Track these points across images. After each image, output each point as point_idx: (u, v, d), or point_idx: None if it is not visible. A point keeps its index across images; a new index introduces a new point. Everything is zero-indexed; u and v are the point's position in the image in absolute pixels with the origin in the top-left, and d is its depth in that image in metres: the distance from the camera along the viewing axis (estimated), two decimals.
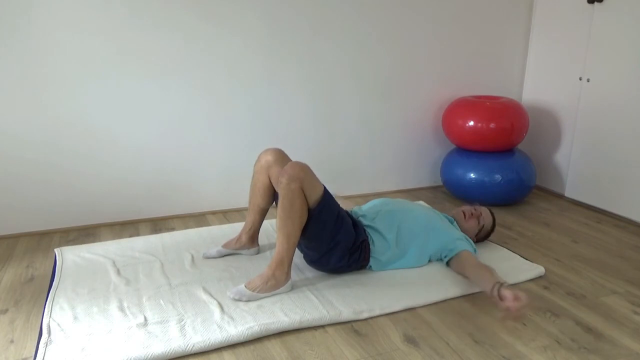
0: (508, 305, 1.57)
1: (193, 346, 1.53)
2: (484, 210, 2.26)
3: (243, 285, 1.82)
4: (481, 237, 2.26)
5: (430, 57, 3.05)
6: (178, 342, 1.54)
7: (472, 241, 2.12)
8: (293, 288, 1.88)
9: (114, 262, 2.09)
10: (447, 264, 2.04)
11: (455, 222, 2.23)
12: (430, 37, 3.01)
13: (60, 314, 1.69)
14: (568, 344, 1.59)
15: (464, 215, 2.23)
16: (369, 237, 2.01)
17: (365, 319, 1.72)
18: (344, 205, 2.19)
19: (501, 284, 1.66)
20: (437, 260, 2.10)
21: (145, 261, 2.11)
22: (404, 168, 3.20)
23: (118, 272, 2.01)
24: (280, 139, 2.80)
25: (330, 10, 2.72)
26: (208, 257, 2.14)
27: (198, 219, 2.67)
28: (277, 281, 1.83)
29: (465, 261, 1.93)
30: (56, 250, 2.19)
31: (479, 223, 2.22)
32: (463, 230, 2.22)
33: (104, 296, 1.82)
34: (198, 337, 1.57)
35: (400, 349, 1.57)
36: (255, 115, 2.72)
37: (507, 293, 1.60)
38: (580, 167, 2.98)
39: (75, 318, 1.67)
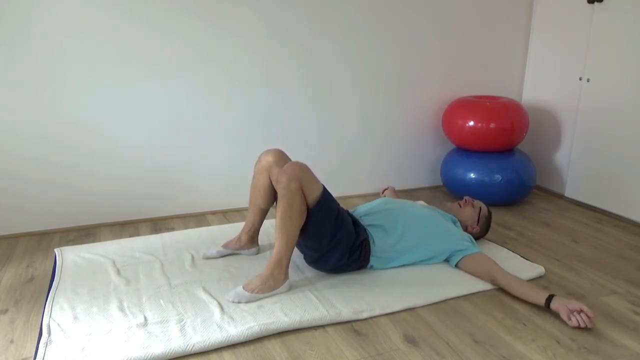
0: (578, 324, 1.65)
1: (193, 346, 1.53)
2: (470, 198, 2.34)
3: (241, 287, 1.82)
4: (483, 224, 2.27)
5: (430, 57, 3.05)
6: (178, 342, 1.54)
7: (475, 242, 2.13)
8: (293, 288, 1.89)
9: (114, 262, 2.09)
10: (457, 264, 2.04)
11: (458, 223, 2.24)
12: (430, 37, 3.01)
13: (60, 314, 1.69)
14: (568, 344, 1.59)
15: (459, 206, 2.29)
16: (370, 236, 2.01)
17: (365, 319, 1.72)
18: (393, 196, 2.39)
19: (553, 296, 1.74)
20: (443, 260, 2.10)
21: (145, 261, 2.11)
22: (404, 168, 3.20)
23: (118, 272, 2.01)
24: (280, 139, 2.80)
25: (330, 10, 2.72)
26: (208, 257, 2.14)
27: (198, 219, 2.67)
28: (276, 281, 1.83)
29: (487, 265, 1.95)
30: (56, 250, 2.19)
31: (474, 206, 2.27)
32: (465, 220, 2.25)
33: (104, 296, 1.82)
34: (198, 337, 1.57)
35: (400, 349, 1.57)
36: (255, 115, 2.72)
37: (574, 305, 1.68)
38: (580, 167, 2.98)
39: (75, 318, 1.67)
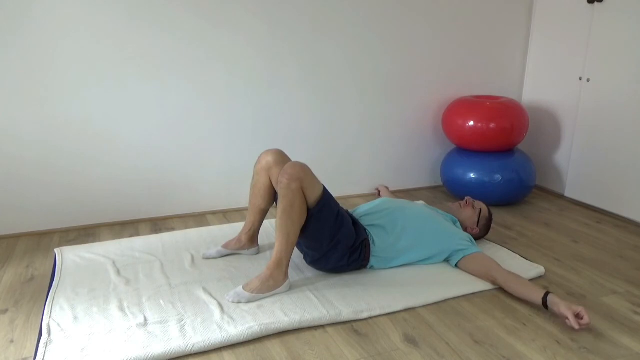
0: (573, 325, 1.63)
1: (193, 346, 1.53)
2: (471, 199, 2.33)
3: (241, 287, 1.82)
4: (483, 225, 2.27)
5: (430, 57, 3.05)
6: (178, 342, 1.54)
7: (475, 242, 2.14)
8: (293, 288, 1.89)
9: (114, 262, 2.08)
10: (457, 264, 2.04)
11: (458, 223, 2.24)
12: (430, 37, 3.01)
13: (60, 314, 1.69)
14: (568, 344, 1.60)
15: (460, 206, 2.30)
16: (370, 236, 2.01)
17: (365, 319, 1.72)
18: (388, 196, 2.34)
19: (549, 294, 1.73)
20: (443, 260, 2.10)
21: (145, 261, 2.11)
22: (404, 168, 3.20)
23: (118, 272, 2.01)
24: (280, 139, 2.80)
25: (330, 11, 2.72)
26: (208, 258, 2.14)
27: (198, 219, 2.67)
28: (276, 281, 1.83)
29: (487, 265, 1.95)
30: (56, 250, 2.19)
31: (474, 207, 2.27)
32: (465, 221, 2.26)
33: (104, 296, 1.82)
34: (198, 337, 1.57)
35: (400, 349, 1.57)
36: (255, 115, 2.72)
37: (563, 310, 1.66)
38: (580, 167, 2.98)
39: (75, 318, 1.67)
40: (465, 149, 2.97)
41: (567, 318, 1.64)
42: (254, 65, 2.64)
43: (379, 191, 2.55)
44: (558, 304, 1.68)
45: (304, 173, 1.79)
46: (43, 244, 2.33)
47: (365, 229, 2.02)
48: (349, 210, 2.10)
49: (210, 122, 2.63)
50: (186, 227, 2.54)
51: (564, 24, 3.01)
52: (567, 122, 3.04)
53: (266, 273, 1.83)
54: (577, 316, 1.65)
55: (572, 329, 1.66)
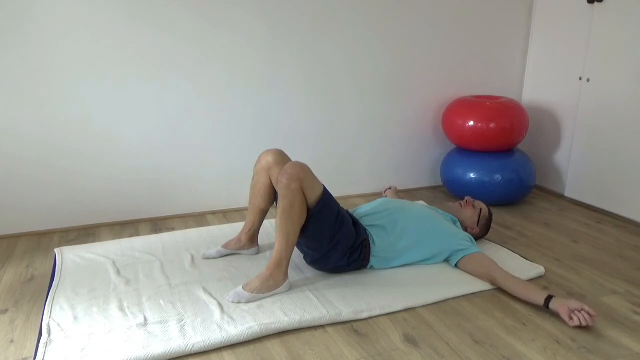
0: (580, 324, 1.65)
1: (193, 346, 1.53)
2: (472, 199, 2.34)
3: (241, 287, 1.82)
4: (483, 225, 2.27)
5: (430, 57, 3.05)
6: (178, 342, 1.54)
7: (475, 242, 2.13)
8: (293, 288, 1.89)
9: (114, 262, 2.09)
10: (457, 264, 2.04)
11: (458, 223, 2.24)
12: (431, 37, 3.01)
13: (60, 314, 1.69)
14: (568, 344, 1.60)
15: (460, 206, 2.30)
16: (370, 236, 2.01)
17: (365, 319, 1.72)
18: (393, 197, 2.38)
19: (552, 297, 1.74)
20: (443, 260, 2.10)
21: (145, 261, 2.11)
22: (404, 168, 3.20)
23: (118, 272, 2.01)
24: (280, 139, 2.80)
25: (330, 10, 2.72)
26: (208, 258, 2.14)
27: (198, 219, 2.67)
28: (276, 281, 1.83)
29: (487, 265, 1.95)
30: (56, 250, 2.19)
31: (474, 207, 2.27)
32: (465, 220, 2.25)
33: (104, 296, 1.82)
34: (198, 337, 1.57)
35: (400, 349, 1.57)
36: (255, 115, 2.72)
37: (563, 310, 1.69)
38: (580, 167, 2.98)
39: (75, 318, 1.67)
40: (465, 149, 2.97)
41: (582, 309, 1.66)
42: (254, 65, 2.64)
43: (386, 190, 2.55)
44: (565, 301, 1.70)
45: (304, 173, 1.79)
46: (43, 244, 2.33)
47: (365, 229, 2.02)
48: (349, 211, 2.10)
49: (210, 122, 2.63)
50: (186, 227, 2.54)
51: (564, 24, 3.01)
52: (567, 122, 3.04)
53: (266, 273, 1.83)
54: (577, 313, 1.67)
55: (572, 328, 1.66)
